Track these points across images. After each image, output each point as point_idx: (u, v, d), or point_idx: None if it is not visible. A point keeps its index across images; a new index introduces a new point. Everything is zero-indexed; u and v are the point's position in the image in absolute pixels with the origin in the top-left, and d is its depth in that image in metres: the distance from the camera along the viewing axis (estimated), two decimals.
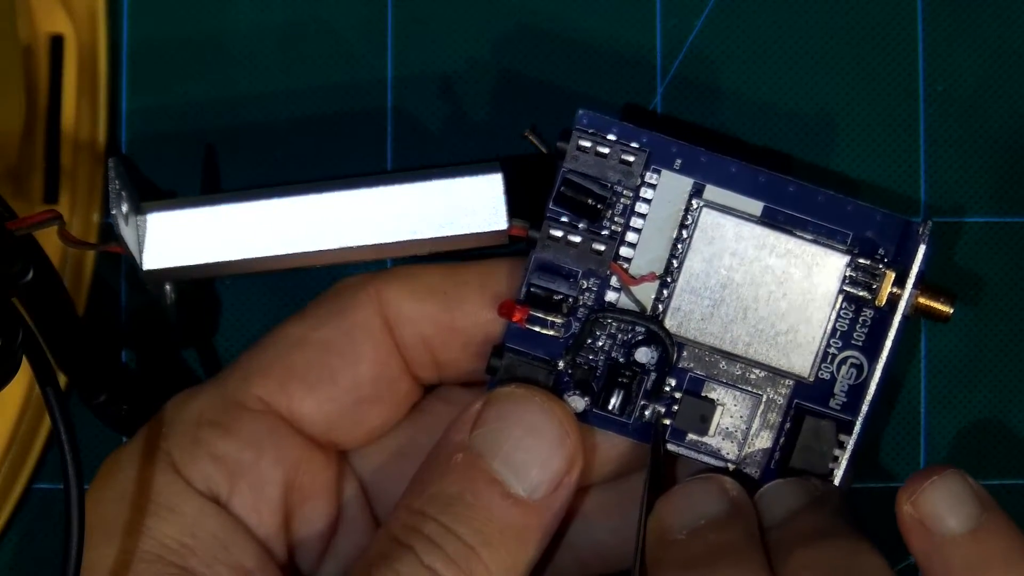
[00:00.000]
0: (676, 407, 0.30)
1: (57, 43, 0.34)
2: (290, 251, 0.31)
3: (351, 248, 0.31)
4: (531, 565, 0.28)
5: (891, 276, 0.30)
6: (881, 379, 0.30)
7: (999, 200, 0.35)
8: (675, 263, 0.30)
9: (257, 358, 0.31)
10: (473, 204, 0.30)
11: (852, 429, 0.30)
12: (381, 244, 0.31)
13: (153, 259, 0.31)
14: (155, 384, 0.35)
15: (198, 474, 0.30)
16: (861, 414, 0.30)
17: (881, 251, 0.30)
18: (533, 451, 0.28)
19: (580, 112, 0.30)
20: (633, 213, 0.30)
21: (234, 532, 0.29)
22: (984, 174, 0.35)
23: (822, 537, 0.27)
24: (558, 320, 0.30)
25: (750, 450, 0.30)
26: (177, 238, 0.31)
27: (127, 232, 0.30)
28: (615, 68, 0.35)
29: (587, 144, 0.30)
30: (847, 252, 0.30)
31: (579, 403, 0.30)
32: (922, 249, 0.30)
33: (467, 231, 0.31)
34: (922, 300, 0.30)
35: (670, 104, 0.35)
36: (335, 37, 0.35)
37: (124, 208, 0.30)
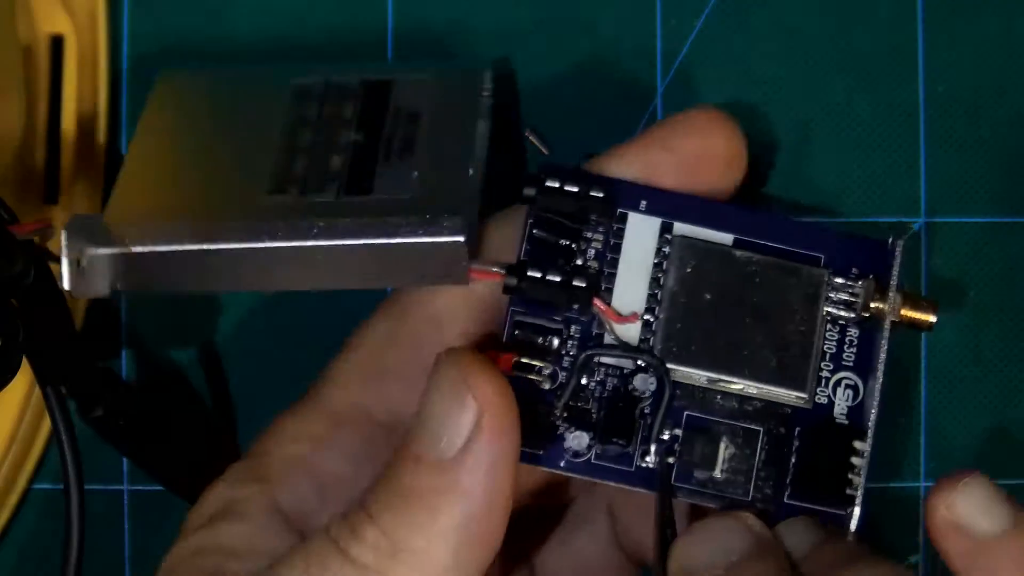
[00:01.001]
0: (678, 445, 0.29)
1: (57, 43, 0.34)
2: (243, 288, 0.30)
3: (308, 289, 0.29)
4: (454, 535, 0.26)
5: (870, 291, 0.29)
6: (880, 398, 0.29)
7: (999, 200, 0.35)
8: (657, 298, 0.29)
9: (348, 362, 0.31)
10: (435, 262, 0.29)
11: (862, 454, 0.29)
12: (337, 287, 0.29)
13: (81, 288, 0.29)
14: (153, 398, 0.35)
15: (290, 492, 0.29)
16: (867, 442, 0.29)
17: (855, 270, 0.30)
18: (435, 407, 0.26)
19: (540, 164, 0.30)
20: (607, 255, 0.30)
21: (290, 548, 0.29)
22: (984, 174, 0.35)
23: (857, 561, 0.27)
24: (545, 366, 0.29)
25: (759, 486, 0.29)
26: (134, 271, 0.29)
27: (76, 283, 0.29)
28: (615, 68, 0.35)
29: (555, 185, 0.29)
30: (823, 273, 0.30)
31: (583, 439, 0.29)
32: (897, 264, 0.29)
33: (428, 284, 0.29)
34: (905, 312, 0.30)
35: (670, 104, 0.35)
36: (335, 38, 0.35)
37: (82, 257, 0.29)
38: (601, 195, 0.29)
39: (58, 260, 0.28)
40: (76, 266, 0.28)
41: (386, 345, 0.31)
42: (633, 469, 0.29)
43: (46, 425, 0.34)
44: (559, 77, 0.35)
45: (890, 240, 0.30)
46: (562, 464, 0.29)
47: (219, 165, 0.30)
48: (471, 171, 0.29)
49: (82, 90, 0.34)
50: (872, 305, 0.29)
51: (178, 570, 0.29)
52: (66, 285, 0.28)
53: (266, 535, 0.29)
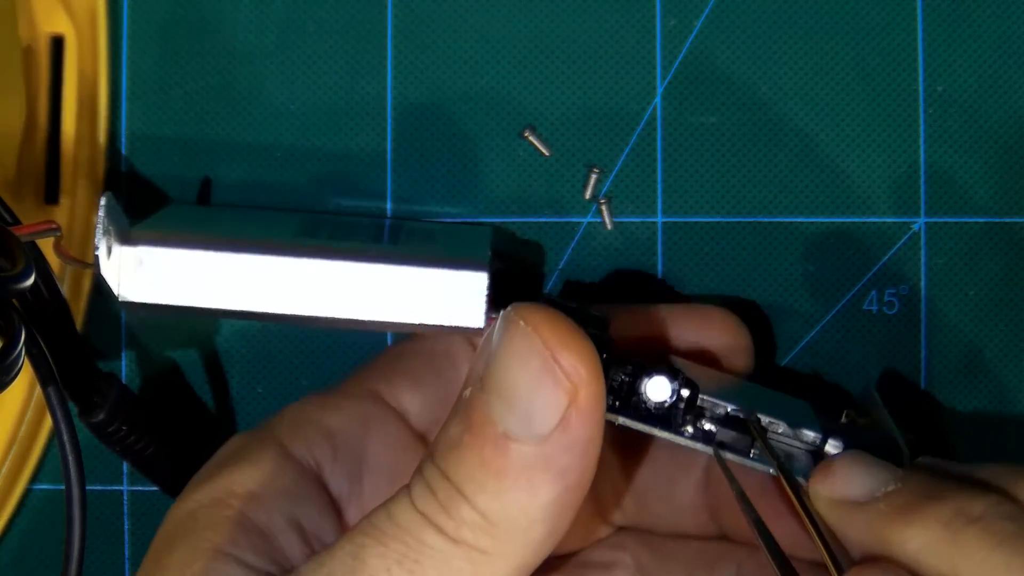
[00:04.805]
0: (713, 429, 0.30)
1: (57, 43, 0.34)
2: (266, 310, 0.30)
3: (326, 318, 0.30)
4: (552, 508, 0.25)
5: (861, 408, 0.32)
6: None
7: (999, 200, 0.35)
8: None
9: (365, 367, 0.32)
10: (454, 298, 0.29)
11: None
12: (354, 320, 0.30)
13: (131, 292, 0.30)
14: (155, 404, 0.35)
15: (301, 444, 0.30)
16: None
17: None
18: (523, 385, 0.25)
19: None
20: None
21: (307, 491, 0.29)
22: (984, 174, 0.35)
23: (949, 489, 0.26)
24: None
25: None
26: (159, 276, 0.30)
27: (108, 267, 0.29)
28: (615, 68, 0.35)
29: (554, 300, 0.30)
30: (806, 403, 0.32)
31: (665, 386, 0.29)
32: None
33: (442, 323, 0.30)
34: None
35: (670, 104, 0.35)
36: (335, 38, 0.35)
37: (109, 242, 0.29)
38: (599, 315, 0.30)
39: (65, 259, 0.28)
40: (106, 250, 0.28)
41: (401, 357, 0.32)
42: (679, 432, 0.29)
43: (47, 425, 0.34)
44: (559, 77, 0.35)
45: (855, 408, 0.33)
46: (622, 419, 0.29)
47: (243, 227, 0.32)
48: (489, 252, 0.30)
49: (82, 90, 0.34)
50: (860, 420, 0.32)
51: (195, 522, 0.28)
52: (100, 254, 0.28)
53: (282, 477, 0.29)
